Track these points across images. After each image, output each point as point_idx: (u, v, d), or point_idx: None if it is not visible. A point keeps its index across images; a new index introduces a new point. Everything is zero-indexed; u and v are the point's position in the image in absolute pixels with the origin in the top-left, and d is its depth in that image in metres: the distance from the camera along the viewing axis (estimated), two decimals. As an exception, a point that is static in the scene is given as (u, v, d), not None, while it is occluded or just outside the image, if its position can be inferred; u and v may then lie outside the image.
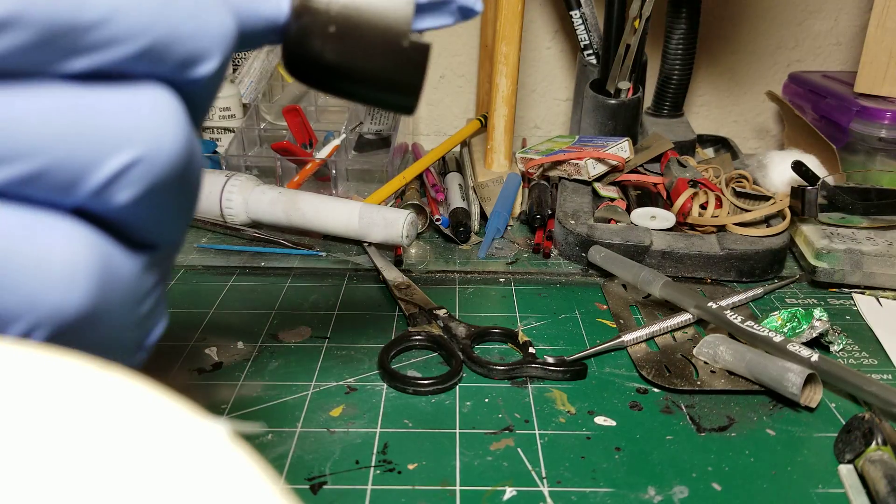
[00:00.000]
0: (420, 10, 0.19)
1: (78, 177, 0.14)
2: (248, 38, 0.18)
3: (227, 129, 0.69)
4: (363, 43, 0.18)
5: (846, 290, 0.50)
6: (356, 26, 0.18)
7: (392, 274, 0.49)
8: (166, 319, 0.19)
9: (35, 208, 0.14)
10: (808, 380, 0.36)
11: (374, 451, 0.33)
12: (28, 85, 0.14)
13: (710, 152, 0.73)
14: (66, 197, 0.15)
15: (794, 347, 0.38)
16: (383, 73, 0.19)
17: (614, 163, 0.59)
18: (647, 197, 0.58)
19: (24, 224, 0.14)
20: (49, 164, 0.14)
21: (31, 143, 0.14)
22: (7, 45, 0.13)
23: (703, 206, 0.54)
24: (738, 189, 0.56)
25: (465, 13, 0.20)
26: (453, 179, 0.62)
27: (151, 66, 0.15)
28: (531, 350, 0.40)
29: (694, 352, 0.41)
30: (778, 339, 0.39)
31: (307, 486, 0.31)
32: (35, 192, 0.14)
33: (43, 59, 0.14)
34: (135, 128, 0.15)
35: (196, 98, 0.17)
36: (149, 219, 0.16)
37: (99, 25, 0.14)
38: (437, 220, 0.57)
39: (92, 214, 0.15)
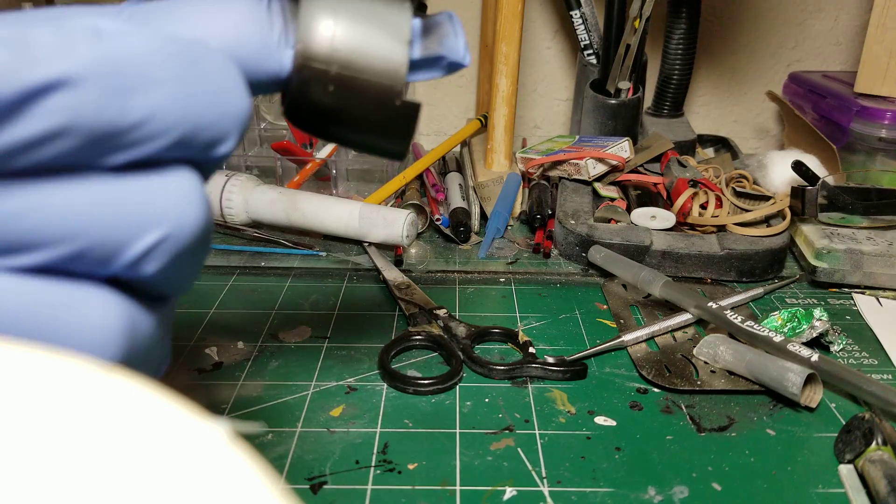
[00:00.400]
0: (412, 66, 0.21)
1: (113, 254, 0.16)
2: (254, 91, 0.20)
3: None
4: (359, 101, 0.20)
5: (846, 289, 0.50)
6: (353, 86, 0.19)
7: (392, 274, 0.49)
8: (170, 358, 0.21)
9: (74, 281, 0.16)
10: (809, 380, 0.36)
11: (375, 450, 0.33)
12: (74, 178, 0.16)
13: (710, 152, 0.73)
14: (102, 270, 0.16)
15: (794, 347, 0.38)
16: (376, 128, 0.20)
17: (614, 163, 0.59)
18: (648, 197, 0.58)
19: (66, 295, 0.16)
20: (89, 246, 0.16)
21: (75, 229, 0.16)
22: (59, 150, 0.15)
23: (704, 206, 0.54)
24: (738, 189, 0.56)
25: (454, 67, 0.21)
26: (453, 179, 0.62)
27: (179, 152, 0.17)
28: (531, 350, 0.40)
29: (694, 352, 0.41)
30: (778, 339, 0.39)
31: (307, 486, 0.31)
32: (76, 267, 0.16)
33: (87, 156, 0.16)
34: (163, 210, 0.17)
35: (212, 168, 0.19)
36: (168, 279, 0.18)
37: (137, 128, 0.16)
38: (437, 220, 0.57)
39: (120, 280, 0.17)
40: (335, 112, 0.20)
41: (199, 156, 0.17)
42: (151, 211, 0.16)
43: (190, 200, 0.17)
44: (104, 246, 0.16)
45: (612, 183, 0.60)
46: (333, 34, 0.19)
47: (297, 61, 0.19)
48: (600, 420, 0.36)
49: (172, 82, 0.16)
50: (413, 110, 0.20)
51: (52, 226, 0.15)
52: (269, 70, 0.19)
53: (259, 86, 0.20)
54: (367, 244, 0.54)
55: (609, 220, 0.54)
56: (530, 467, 0.32)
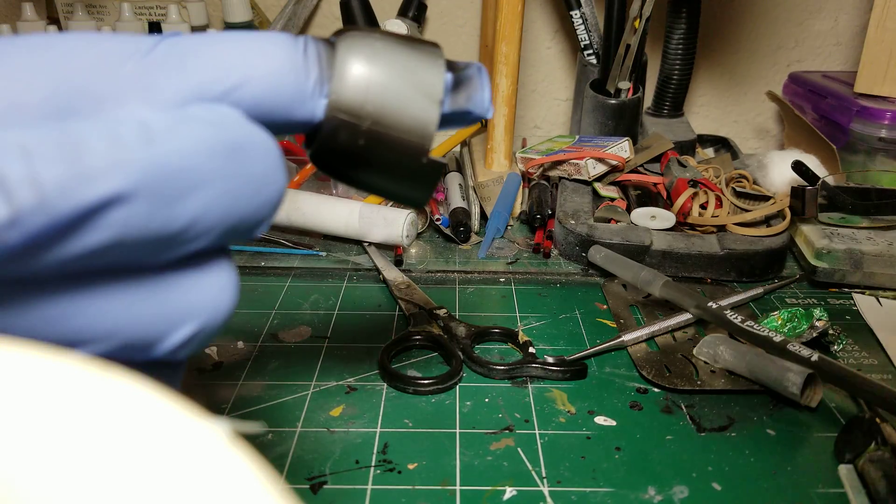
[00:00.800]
0: (441, 121, 0.21)
1: (148, 347, 0.17)
2: (279, 133, 0.19)
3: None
4: (386, 156, 0.20)
5: (846, 289, 0.50)
6: (382, 141, 0.20)
7: (392, 274, 0.49)
8: None
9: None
10: (809, 380, 0.36)
11: (375, 450, 0.33)
12: (114, 280, 0.16)
13: (710, 152, 0.73)
14: (138, 357, 0.17)
15: (794, 347, 0.38)
16: (400, 180, 0.21)
17: (614, 163, 0.59)
18: (648, 197, 0.58)
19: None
20: (125, 343, 0.16)
21: (113, 330, 0.16)
22: (103, 259, 0.15)
23: (704, 206, 0.54)
24: (738, 189, 0.56)
25: (477, 119, 0.22)
26: (453, 179, 0.62)
27: (217, 244, 0.17)
28: (531, 350, 0.40)
29: (694, 352, 0.41)
30: (778, 338, 0.39)
31: (307, 486, 0.31)
32: (115, 356, 0.16)
33: (130, 260, 0.16)
34: (200, 305, 0.17)
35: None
36: (192, 352, 0.18)
37: (182, 232, 0.16)
38: (437, 219, 0.57)
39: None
40: (362, 163, 0.20)
41: (234, 242, 0.17)
42: (189, 306, 0.17)
43: (226, 293, 0.17)
44: (140, 341, 0.16)
45: (612, 183, 0.60)
46: (368, 89, 0.19)
47: (330, 112, 0.19)
48: (600, 420, 0.36)
49: (219, 180, 0.16)
50: (438, 168, 0.20)
51: (91, 328, 0.16)
52: (301, 118, 0.19)
53: (287, 129, 0.19)
54: (367, 244, 0.54)
55: (609, 220, 0.54)
56: (530, 467, 0.32)
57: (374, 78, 0.19)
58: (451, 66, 0.21)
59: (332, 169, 0.21)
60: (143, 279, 0.16)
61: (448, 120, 0.21)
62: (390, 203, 0.59)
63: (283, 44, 0.18)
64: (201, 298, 0.17)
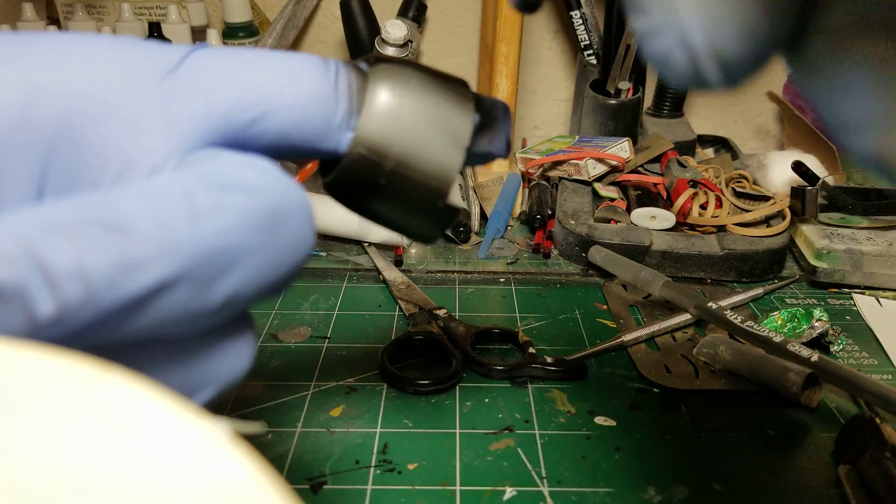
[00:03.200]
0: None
1: None
2: (299, 157, 0.19)
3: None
4: (405, 196, 0.20)
5: (846, 290, 0.50)
6: (403, 182, 0.19)
7: (392, 274, 0.49)
8: None
9: None
10: (808, 380, 0.36)
11: (374, 451, 0.33)
12: (143, 352, 0.15)
13: (710, 152, 0.73)
14: None
15: (794, 347, 0.38)
16: (414, 218, 0.20)
17: (614, 163, 0.59)
18: (647, 197, 0.58)
19: None
20: None
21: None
22: (141, 336, 0.14)
23: (703, 207, 0.54)
24: (738, 189, 0.56)
25: (493, 158, 0.22)
26: (453, 179, 0.62)
27: (246, 309, 0.17)
28: (531, 350, 0.40)
29: (694, 352, 0.41)
30: (778, 339, 0.39)
31: (307, 486, 0.31)
32: None
33: (163, 334, 0.15)
34: (222, 371, 0.16)
35: None
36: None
37: (220, 309, 0.15)
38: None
39: None
40: (378, 199, 0.20)
41: (260, 302, 0.17)
42: (211, 374, 0.16)
43: (245, 358, 0.17)
44: None
45: (612, 183, 0.60)
46: (396, 129, 0.19)
47: (354, 147, 0.19)
48: (600, 420, 0.36)
49: (258, 254, 0.15)
50: (454, 213, 0.20)
51: None
52: (325, 148, 0.18)
53: (307, 157, 0.19)
54: (367, 244, 0.54)
55: (609, 221, 0.54)
56: (530, 467, 0.32)
57: (403, 118, 0.19)
58: (479, 104, 0.20)
59: (347, 200, 0.20)
60: (169, 350, 0.16)
61: (468, 159, 0.20)
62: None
63: (314, 70, 0.18)
64: (223, 366, 0.16)
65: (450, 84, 0.20)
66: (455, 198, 0.20)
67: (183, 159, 0.16)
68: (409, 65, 0.20)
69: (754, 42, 0.15)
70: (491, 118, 0.21)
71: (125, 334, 0.14)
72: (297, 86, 0.17)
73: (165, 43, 0.17)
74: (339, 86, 0.18)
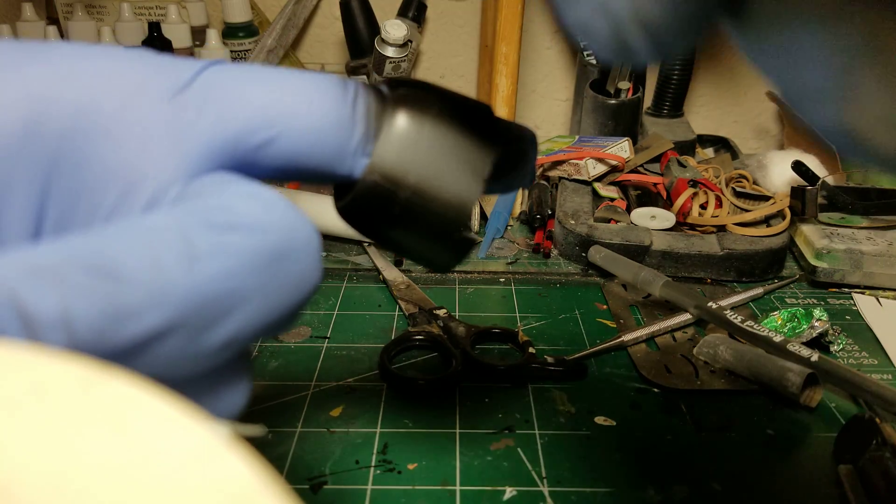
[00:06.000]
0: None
1: None
2: (311, 181, 0.18)
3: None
4: (420, 226, 0.19)
5: (846, 289, 0.50)
6: (419, 213, 0.18)
7: (392, 274, 0.49)
8: None
9: None
10: (808, 380, 0.36)
11: (374, 451, 0.33)
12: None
13: (710, 152, 0.73)
14: None
15: (794, 347, 0.38)
16: (427, 248, 0.20)
17: (614, 163, 0.59)
18: (647, 197, 0.58)
19: None
20: None
21: None
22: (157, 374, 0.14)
23: (703, 206, 0.54)
24: (738, 189, 0.56)
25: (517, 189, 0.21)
26: (453, 179, 0.62)
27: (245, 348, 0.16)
28: (531, 350, 0.40)
29: (694, 352, 0.41)
30: (778, 338, 0.39)
31: (307, 486, 0.31)
32: None
33: (158, 377, 0.14)
34: (217, 411, 0.15)
35: None
36: None
37: (217, 353, 0.14)
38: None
39: None
40: (393, 228, 0.19)
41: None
42: (207, 414, 0.15)
43: (240, 398, 0.16)
44: None
45: (612, 183, 0.60)
46: (415, 158, 0.18)
47: (369, 174, 0.18)
48: (600, 420, 0.36)
49: (259, 297, 0.14)
50: (469, 244, 0.19)
51: None
52: (338, 174, 0.18)
53: (318, 179, 0.18)
54: (366, 244, 0.54)
55: (609, 220, 0.54)
56: (530, 467, 0.32)
57: (422, 146, 0.18)
58: (504, 132, 0.19)
59: (359, 226, 0.19)
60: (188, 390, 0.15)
61: (487, 189, 0.19)
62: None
63: (331, 92, 0.17)
64: (218, 406, 0.15)
65: (473, 112, 0.19)
66: (472, 229, 0.19)
67: (188, 184, 0.15)
68: (432, 89, 0.19)
69: (686, 5, 0.13)
70: (518, 150, 0.20)
71: None
72: (312, 108, 0.16)
73: (178, 58, 0.16)
74: (356, 109, 0.17)
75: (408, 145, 0.18)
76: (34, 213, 0.15)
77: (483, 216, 0.58)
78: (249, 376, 0.16)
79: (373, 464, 0.32)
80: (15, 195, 0.14)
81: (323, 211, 0.53)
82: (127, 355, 0.12)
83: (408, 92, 0.18)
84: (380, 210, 0.18)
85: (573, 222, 0.53)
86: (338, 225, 0.53)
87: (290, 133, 0.16)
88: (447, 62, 0.80)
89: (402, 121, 0.18)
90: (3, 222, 0.14)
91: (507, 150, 0.19)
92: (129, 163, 0.15)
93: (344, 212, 0.19)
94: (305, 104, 0.16)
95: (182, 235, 0.14)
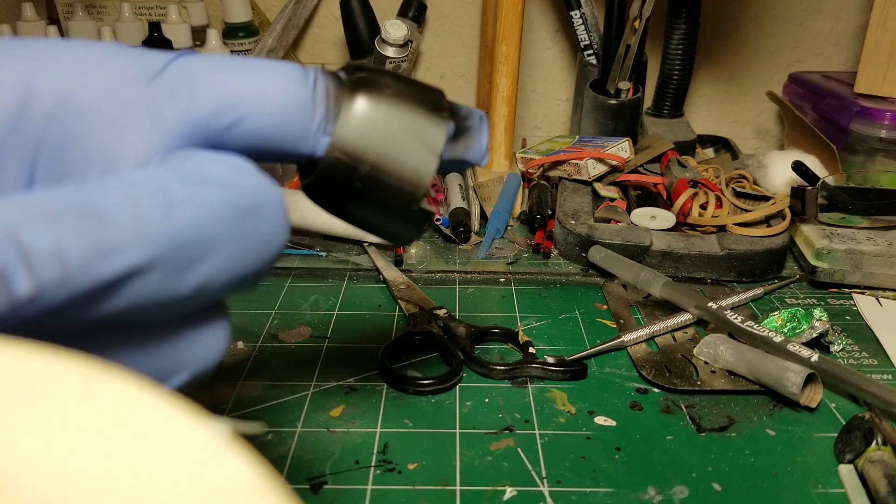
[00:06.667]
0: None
1: None
2: (276, 162, 0.20)
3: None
4: (380, 199, 0.20)
5: (846, 290, 0.50)
6: (378, 186, 0.20)
7: (392, 274, 0.49)
8: None
9: None
10: (808, 380, 0.36)
11: (374, 450, 0.33)
12: (119, 335, 0.16)
13: (710, 152, 0.73)
14: None
15: (794, 347, 0.38)
16: (388, 221, 0.21)
17: (614, 163, 0.59)
18: (648, 197, 0.58)
19: None
20: None
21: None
22: (114, 318, 0.15)
23: (704, 207, 0.54)
24: (738, 189, 0.56)
25: (469, 165, 0.22)
26: (453, 179, 0.62)
27: (218, 298, 0.17)
28: (531, 350, 0.40)
29: (694, 352, 0.41)
30: (778, 339, 0.39)
31: (307, 486, 0.31)
32: None
33: (137, 318, 0.16)
34: (196, 356, 0.17)
35: None
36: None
37: (192, 295, 0.16)
38: (437, 220, 0.57)
39: None
40: (354, 201, 0.20)
41: (233, 293, 0.18)
42: (185, 359, 0.17)
43: (218, 343, 0.17)
44: None
45: (612, 183, 0.60)
46: (372, 135, 0.19)
47: (331, 152, 0.19)
48: (600, 420, 0.36)
49: (230, 244, 0.16)
50: (426, 216, 0.21)
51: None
52: (302, 152, 0.19)
53: (285, 160, 0.20)
54: (367, 244, 0.54)
55: (609, 221, 0.54)
56: (530, 467, 0.32)
57: (378, 124, 0.19)
58: (454, 112, 0.21)
59: (324, 202, 0.21)
60: (143, 335, 0.16)
61: (441, 165, 0.21)
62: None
63: (293, 77, 0.18)
64: (197, 352, 0.17)
65: (425, 93, 0.21)
66: (425, 203, 0.21)
67: (163, 158, 0.17)
68: (386, 73, 0.20)
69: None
70: (467, 126, 0.21)
71: (99, 316, 0.14)
72: (276, 91, 0.18)
73: (150, 49, 0.17)
74: (316, 92, 0.19)
75: (366, 124, 0.19)
76: (23, 186, 0.16)
77: (483, 216, 0.58)
78: (226, 323, 0.18)
79: (373, 464, 0.32)
80: (5, 172, 0.15)
81: (322, 211, 0.53)
82: (110, 289, 0.14)
83: (364, 75, 0.20)
84: (342, 185, 0.20)
85: (573, 222, 0.53)
86: (338, 225, 0.53)
87: (256, 114, 0.18)
88: (447, 62, 0.80)
89: (359, 101, 0.19)
90: None
91: (458, 127, 0.21)
92: (110, 142, 0.16)
93: (309, 189, 0.21)
94: (270, 88, 0.18)
95: (160, 187, 0.15)
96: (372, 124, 0.19)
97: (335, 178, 0.20)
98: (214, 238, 0.16)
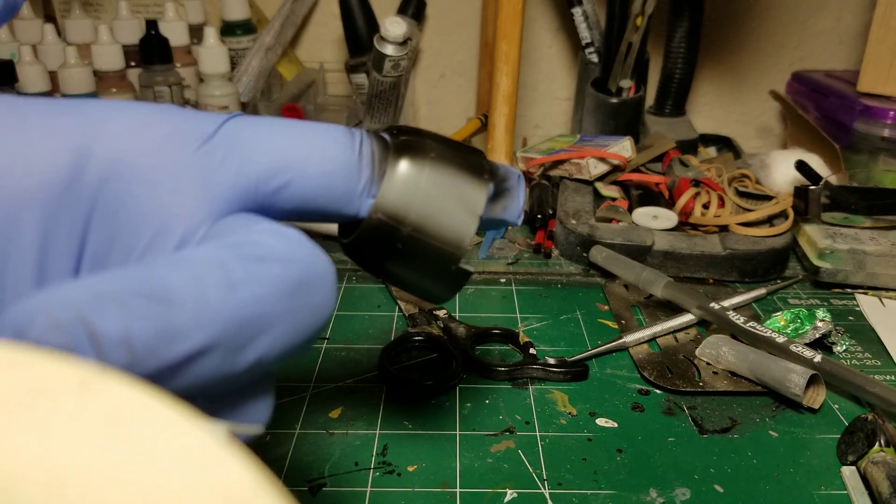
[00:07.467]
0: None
1: None
2: (322, 220, 0.20)
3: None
4: (421, 259, 0.21)
5: (849, 290, 0.49)
6: (420, 247, 0.21)
7: (392, 273, 0.49)
8: None
9: None
10: (811, 381, 0.36)
11: (374, 452, 0.33)
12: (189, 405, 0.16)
13: (712, 151, 0.72)
14: None
15: (796, 348, 0.38)
16: (427, 281, 0.22)
17: (616, 162, 0.58)
18: (649, 196, 0.58)
19: None
20: None
21: None
22: (181, 395, 0.15)
23: (706, 206, 0.54)
24: (740, 189, 0.56)
25: (506, 224, 0.23)
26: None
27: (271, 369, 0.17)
28: (532, 351, 0.40)
29: (696, 352, 0.41)
30: (781, 339, 0.39)
31: (306, 488, 0.31)
32: None
33: (194, 393, 0.16)
34: (245, 430, 0.17)
35: None
36: None
37: (248, 371, 0.16)
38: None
39: None
40: (395, 262, 0.21)
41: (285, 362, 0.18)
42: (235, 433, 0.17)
43: (265, 416, 0.18)
44: None
45: (614, 182, 0.59)
46: (415, 198, 0.20)
47: (374, 213, 0.20)
48: (601, 421, 0.36)
49: (285, 320, 0.16)
50: (465, 276, 0.22)
51: None
52: (346, 213, 0.20)
53: (328, 219, 0.20)
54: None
55: (610, 220, 0.54)
56: (531, 469, 0.32)
57: (421, 187, 0.20)
58: (493, 173, 0.22)
59: (365, 261, 0.22)
60: (197, 407, 0.16)
61: (479, 224, 0.21)
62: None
63: (340, 140, 0.19)
64: (246, 420, 0.17)
65: (467, 155, 0.21)
66: (468, 264, 0.22)
67: (214, 224, 0.17)
68: (429, 136, 0.21)
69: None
70: (506, 187, 0.22)
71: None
72: (324, 155, 0.18)
73: (201, 112, 0.18)
74: (362, 156, 0.19)
75: (409, 187, 0.20)
76: (76, 250, 0.16)
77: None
78: (272, 393, 0.18)
79: (372, 465, 0.32)
80: (59, 233, 0.16)
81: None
82: (174, 371, 0.14)
83: (408, 139, 0.21)
84: (384, 245, 0.20)
85: (574, 222, 0.52)
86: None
87: (304, 177, 0.18)
88: (447, 60, 0.80)
89: (403, 165, 0.20)
90: (49, 258, 0.16)
91: (497, 188, 0.22)
92: (162, 206, 0.17)
93: (350, 248, 0.21)
94: (318, 151, 0.18)
95: (220, 265, 0.15)
96: (415, 187, 0.20)
97: (377, 239, 0.20)
98: (272, 314, 0.16)
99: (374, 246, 0.20)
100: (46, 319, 0.13)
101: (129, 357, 0.13)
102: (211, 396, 0.16)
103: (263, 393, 0.18)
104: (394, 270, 0.21)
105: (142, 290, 0.14)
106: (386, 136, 0.21)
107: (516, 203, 0.22)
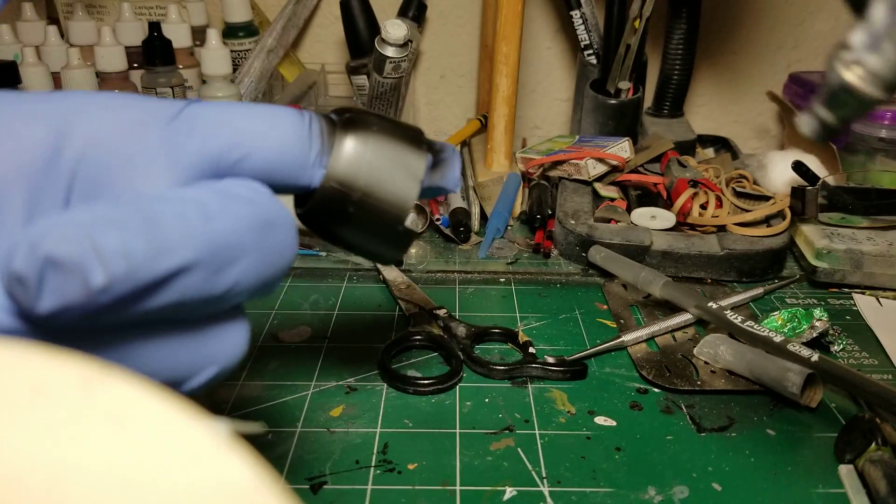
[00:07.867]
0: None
1: (176, 385, 0.19)
2: (278, 191, 0.22)
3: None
4: (370, 222, 0.23)
5: (846, 290, 0.50)
6: (368, 210, 0.23)
7: (392, 274, 0.49)
8: None
9: None
10: (809, 380, 0.36)
11: (375, 451, 0.33)
12: (153, 333, 0.18)
13: (710, 152, 0.72)
14: None
15: (794, 347, 0.38)
16: (377, 243, 0.24)
17: (614, 163, 0.58)
18: (648, 197, 0.58)
19: None
20: (162, 381, 0.19)
21: (150, 372, 0.18)
22: (161, 316, 0.18)
23: (704, 206, 0.54)
24: (738, 189, 0.56)
25: (444, 192, 0.25)
26: (453, 179, 0.62)
27: (242, 301, 0.20)
28: (531, 350, 0.40)
29: (694, 352, 0.41)
30: (778, 339, 0.39)
31: (307, 486, 0.31)
32: None
33: (171, 316, 0.18)
34: (221, 354, 0.20)
35: None
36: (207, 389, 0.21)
37: (225, 295, 0.18)
38: (437, 220, 0.57)
39: None
40: (347, 226, 0.23)
41: (254, 298, 0.20)
42: (213, 354, 0.19)
43: (241, 342, 0.20)
44: (171, 381, 0.19)
45: (613, 183, 0.59)
46: (361, 165, 0.22)
47: (326, 182, 0.22)
48: (600, 420, 0.36)
49: (255, 251, 0.19)
50: (411, 235, 0.24)
51: (138, 370, 0.18)
52: (301, 184, 0.22)
53: (286, 191, 0.22)
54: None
55: (609, 220, 0.54)
56: (530, 467, 0.32)
57: (367, 156, 0.22)
58: (431, 146, 0.24)
59: (319, 228, 0.24)
60: (181, 331, 0.19)
61: (421, 192, 0.24)
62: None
63: (291, 118, 0.21)
64: (223, 347, 0.20)
65: (406, 129, 0.24)
66: (412, 224, 0.24)
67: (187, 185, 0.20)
68: (372, 114, 0.24)
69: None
70: (442, 158, 0.24)
71: (151, 308, 0.17)
72: (277, 130, 0.21)
73: (165, 98, 0.20)
74: (312, 130, 0.22)
75: (356, 156, 0.22)
76: (61, 210, 0.18)
77: (483, 216, 0.58)
78: (246, 323, 0.20)
79: (373, 464, 0.32)
80: (44, 206, 0.18)
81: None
82: (163, 283, 0.17)
83: (353, 115, 0.23)
84: (336, 211, 0.23)
85: (573, 222, 0.53)
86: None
87: (260, 150, 0.20)
88: (447, 62, 0.80)
89: (350, 137, 0.22)
90: (38, 214, 0.18)
91: (435, 159, 0.24)
92: (136, 176, 0.19)
93: (306, 216, 0.23)
94: (272, 127, 0.21)
95: (198, 200, 0.18)
96: (362, 156, 0.22)
97: (330, 205, 0.22)
98: (243, 245, 0.18)
99: (327, 211, 0.22)
100: (59, 233, 0.15)
101: (128, 267, 0.16)
102: (195, 319, 0.19)
103: (238, 320, 0.20)
104: (346, 234, 0.23)
105: (136, 215, 0.17)
106: (333, 115, 0.23)
107: (452, 172, 0.25)
